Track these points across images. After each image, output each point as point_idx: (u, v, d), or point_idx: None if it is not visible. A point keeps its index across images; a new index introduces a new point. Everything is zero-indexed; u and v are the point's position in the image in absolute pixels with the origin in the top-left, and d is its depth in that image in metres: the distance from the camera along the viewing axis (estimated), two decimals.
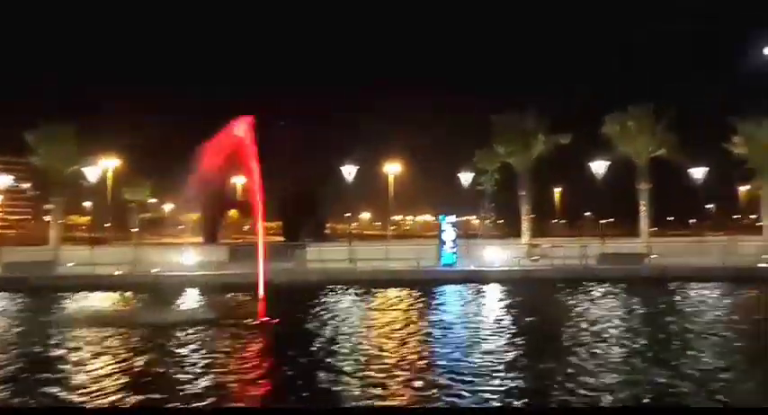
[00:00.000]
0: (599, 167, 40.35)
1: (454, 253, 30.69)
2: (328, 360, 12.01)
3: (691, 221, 53.09)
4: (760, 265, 29.77)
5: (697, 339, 13.94)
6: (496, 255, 31.73)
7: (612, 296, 21.59)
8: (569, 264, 29.88)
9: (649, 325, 15.87)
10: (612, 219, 53.78)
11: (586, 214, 55.21)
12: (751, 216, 43.66)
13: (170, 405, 9.15)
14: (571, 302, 20.17)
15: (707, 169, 41.65)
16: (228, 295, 21.74)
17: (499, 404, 8.99)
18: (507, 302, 21.00)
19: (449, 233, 31.05)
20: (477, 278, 26.77)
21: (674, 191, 43.80)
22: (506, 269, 29.21)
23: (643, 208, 38.39)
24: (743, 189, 47.17)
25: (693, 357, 11.94)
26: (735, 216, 53.25)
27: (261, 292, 16.40)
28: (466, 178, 43.96)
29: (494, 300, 21.79)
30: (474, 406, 8.99)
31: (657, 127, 37.29)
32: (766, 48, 32.38)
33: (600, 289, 23.19)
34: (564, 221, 65.57)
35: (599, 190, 41.87)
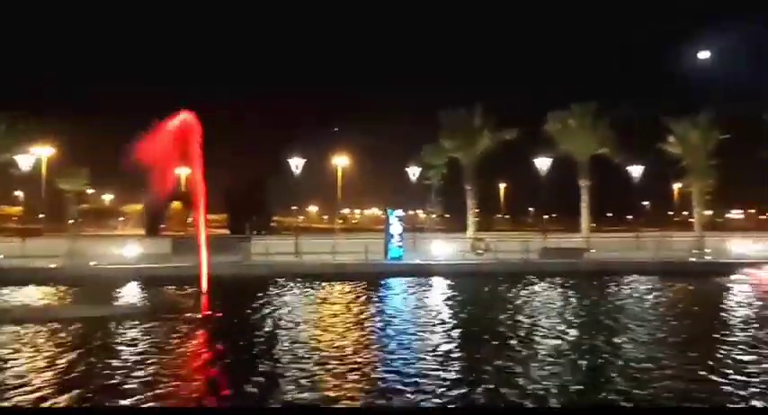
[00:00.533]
0: (542, 164, 41.31)
1: (400, 247, 30.92)
2: (267, 355, 11.91)
3: (628, 217, 55.11)
4: (690, 259, 31.24)
5: (622, 331, 14.48)
6: (442, 249, 32.13)
7: (550, 290, 22.24)
8: (512, 258, 30.53)
9: (577, 318, 16.43)
10: (555, 215, 55.17)
11: (530, 209, 56.54)
12: (683, 213, 45.73)
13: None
14: (510, 295, 20.66)
15: (643, 167, 43.20)
16: (170, 289, 21.27)
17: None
18: (449, 295, 21.29)
19: (396, 227, 31.25)
20: (423, 272, 27.06)
21: (613, 188, 45.29)
22: (451, 262, 29.63)
23: (584, 205, 39.58)
24: (676, 186, 49.22)
25: (615, 351, 12.31)
26: (669, 213, 55.52)
27: (204, 286, 16.13)
28: (413, 172, 44.25)
29: (436, 294, 22.04)
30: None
31: (599, 125, 38.45)
32: (700, 52, 33.91)
33: (540, 283, 23.83)
34: (508, 216, 66.86)
35: (542, 186, 42.88)
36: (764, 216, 50.31)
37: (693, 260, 31.28)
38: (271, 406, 9.04)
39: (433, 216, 46.15)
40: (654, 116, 39.94)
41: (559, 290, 22.08)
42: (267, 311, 17.37)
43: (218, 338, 13.92)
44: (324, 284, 23.38)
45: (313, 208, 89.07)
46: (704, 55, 37.90)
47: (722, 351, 12.22)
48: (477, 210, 41.53)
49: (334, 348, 12.54)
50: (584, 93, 40.66)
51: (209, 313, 15.67)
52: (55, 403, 8.83)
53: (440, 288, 23.26)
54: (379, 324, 15.57)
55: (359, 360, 11.53)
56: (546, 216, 52.39)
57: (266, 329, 14.69)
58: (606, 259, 30.54)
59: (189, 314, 15.92)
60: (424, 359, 11.52)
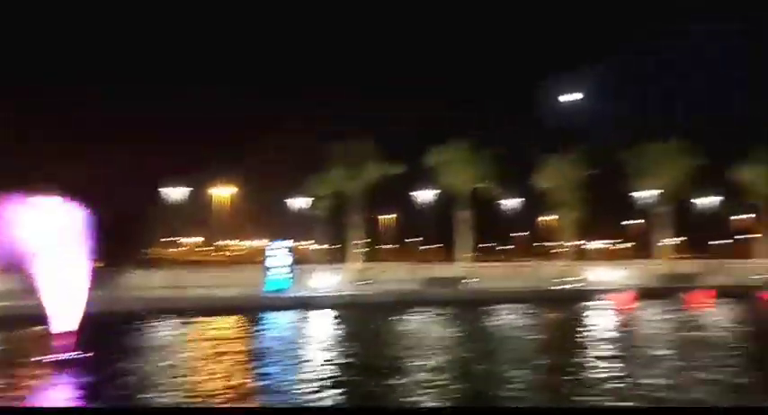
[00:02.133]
0: (426, 196, 42.64)
1: (288, 278, 30.49)
2: (134, 396, 11.25)
3: (507, 247, 57.89)
4: (560, 287, 33.28)
5: (483, 355, 15.11)
6: (327, 280, 32.06)
7: (425, 319, 22.83)
8: (396, 288, 30.99)
9: (445, 345, 16.88)
10: (440, 245, 56.77)
11: (416, 239, 57.83)
12: (556, 243, 48.78)
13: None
14: (386, 325, 20.96)
15: (519, 200, 45.79)
16: (32, 329, 19.47)
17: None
18: (326, 327, 21.19)
19: (278, 259, 30.82)
20: (306, 304, 26.77)
21: (493, 220, 47.39)
22: (336, 293, 29.58)
23: (460, 235, 41.16)
24: (548, 218, 52.46)
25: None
26: (544, 243, 58.87)
27: (69, 324, 14.90)
28: (299, 203, 44.00)
29: (315, 326, 21.84)
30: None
31: (477, 160, 40.34)
32: (561, 95, 36.88)
33: (418, 312, 24.26)
34: (393, 246, 67.95)
35: (427, 217, 44.18)
36: (626, 246, 54.75)
37: (563, 287, 33.33)
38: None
39: (319, 246, 46.00)
40: (529, 151, 42.56)
41: (434, 319, 22.74)
42: (140, 349, 16.44)
43: (84, 381, 12.94)
44: (203, 319, 22.46)
45: (195, 239, 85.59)
46: (568, 97, 41.17)
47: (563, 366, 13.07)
48: (363, 241, 41.91)
49: (203, 386, 12.05)
50: (466, 126, 42.21)
51: (75, 353, 14.49)
52: None
53: (320, 320, 23.10)
54: (248, 360, 15.17)
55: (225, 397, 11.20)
56: (431, 247, 53.93)
57: (137, 369, 13.86)
58: (483, 288, 31.85)
59: (49, 357, 14.66)
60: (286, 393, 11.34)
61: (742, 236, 49.25)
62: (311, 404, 10.56)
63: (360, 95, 50.82)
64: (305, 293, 29.42)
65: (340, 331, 20.34)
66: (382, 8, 61.44)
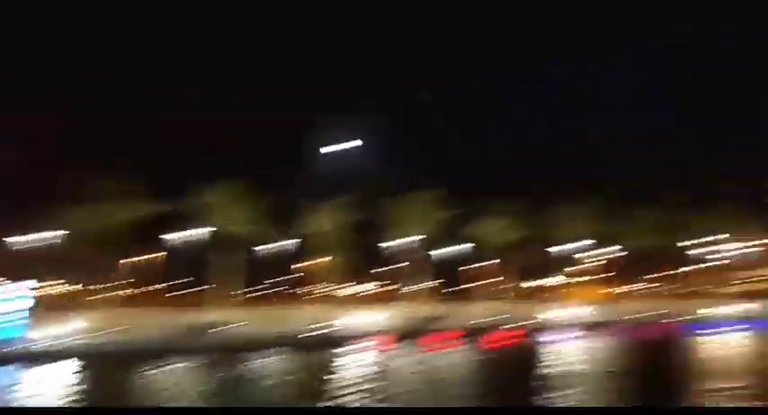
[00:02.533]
0: (195, 235, 41.16)
1: (22, 325, 27.02)
2: None
3: (273, 290, 57.74)
4: (321, 331, 34.24)
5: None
6: (73, 327, 29.05)
7: (177, 370, 21.91)
8: (152, 335, 29.13)
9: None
10: (206, 287, 54.76)
11: (179, 282, 54.78)
12: (322, 287, 50.04)
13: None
14: (121, 380, 19.59)
15: (291, 242, 46.32)
16: None
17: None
18: (52, 384, 19.13)
19: (18, 302, 27.38)
20: (40, 356, 24.08)
21: (260, 262, 47.11)
22: (81, 342, 27.06)
23: (232, 278, 40.51)
24: (316, 262, 53.85)
25: None
26: (311, 287, 59.75)
27: None
28: (49, 238, 39.35)
29: (39, 383, 19.64)
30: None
31: (246, 204, 40.21)
32: (322, 148, 39.17)
33: (170, 362, 23.19)
34: (155, 288, 63.59)
35: (194, 259, 42.44)
36: (388, 289, 58.24)
37: (324, 331, 34.39)
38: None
39: (70, 288, 41.47)
40: (301, 196, 43.70)
41: (183, 370, 21.95)
42: None
43: None
44: None
45: None
46: (343, 144, 43.65)
47: None
48: (122, 282, 39.01)
49: None
50: (241, 167, 41.82)
51: None
52: None
53: (48, 375, 20.85)
54: None
55: None
56: (197, 289, 51.82)
57: None
58: (245, 333, 31.63)
59: None
60: None
61: (484, 281, 55.38)
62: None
63: (130, 126, 47.89)
64: (42, 343, 26.37)
65: (64, 388, 18.40)
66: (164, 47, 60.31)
